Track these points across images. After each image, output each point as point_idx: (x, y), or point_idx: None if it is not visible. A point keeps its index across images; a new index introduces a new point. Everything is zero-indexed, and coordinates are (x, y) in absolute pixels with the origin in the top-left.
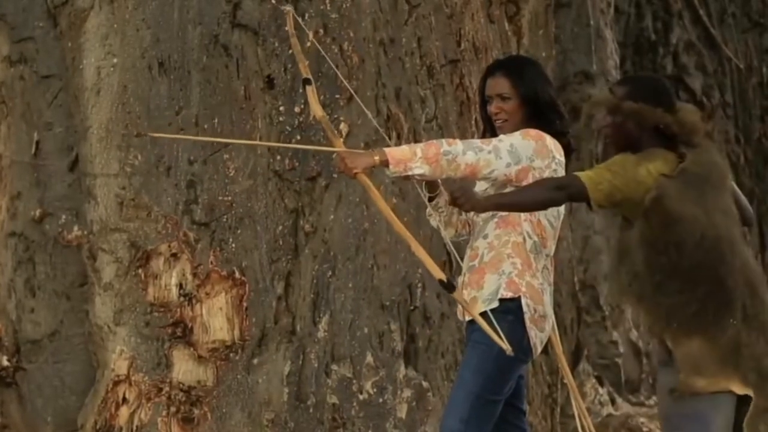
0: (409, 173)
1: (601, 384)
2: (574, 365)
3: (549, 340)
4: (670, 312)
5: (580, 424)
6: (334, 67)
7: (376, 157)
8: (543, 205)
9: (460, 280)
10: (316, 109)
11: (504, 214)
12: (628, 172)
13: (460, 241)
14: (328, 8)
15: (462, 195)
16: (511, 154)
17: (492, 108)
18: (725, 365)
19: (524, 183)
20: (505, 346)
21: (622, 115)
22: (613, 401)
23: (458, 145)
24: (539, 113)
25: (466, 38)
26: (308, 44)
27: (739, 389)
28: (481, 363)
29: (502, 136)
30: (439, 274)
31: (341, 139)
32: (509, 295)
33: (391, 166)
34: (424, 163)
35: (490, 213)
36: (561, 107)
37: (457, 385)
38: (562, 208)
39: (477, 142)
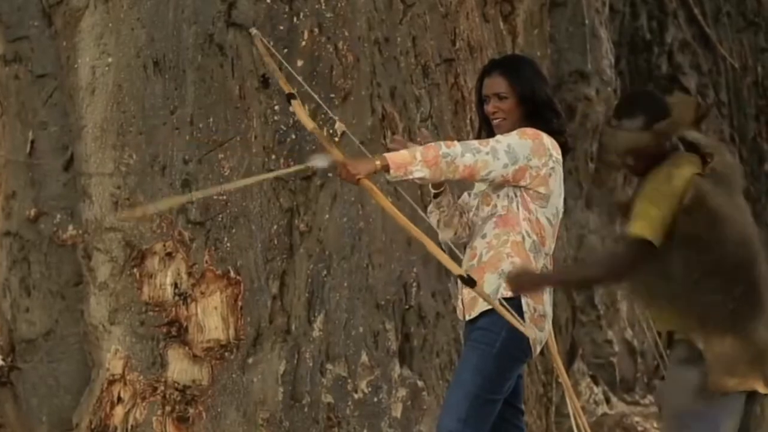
0: (410, 177)
1: (596, 383)
2: (569, 364)
3: None
4: (706, 311)
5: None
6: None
7: (377, 162)
8: (616, 280)
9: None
10: (307, 122)
11: (502, 213)
12: (665, 193)
13: (459, 243)
14: (323, 7)
15: (521, 277)
16: (508, 154)
17: (489, 107)
18: (755, 365)
19: (521, 183)
20: (524, 328)
21: (657, 139)
22: (608, 400)
23: (457, 146)
24: (536, 112)
25: (461, 37)
26: (303, 43)
27: (764, 389)
28: (481, 363)
29: (499, 137)
30: (458, 270)
31: (336, 149)
32: (509, 294)
33: (391, 171)
34: (424, 166)
35: (489, 211)
36: (557, 105)
37: (456, 385)
38: (560, 206)
39: (475, 143)
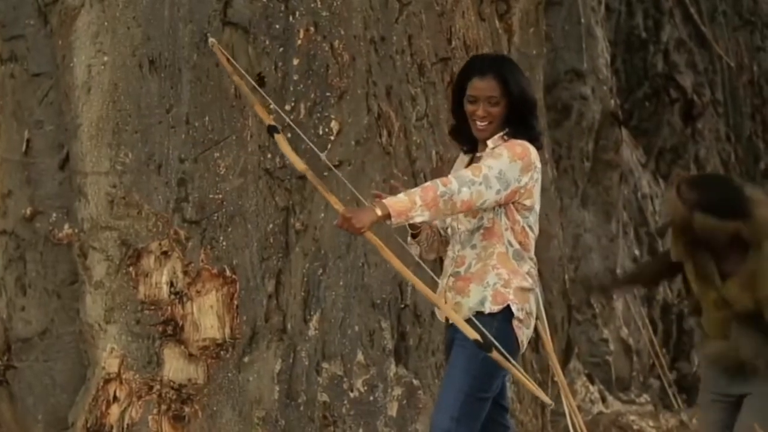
0: (411, 221)
1: (592, 382)
2: (564, 363)
3: (540, 339)
4: None
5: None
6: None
7: (378, 212)
8: None
9: (441, 282)
10: (296, 162)
11: (488, 225)
12: None
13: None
14: (319, 6)
15: None
16: (500, 180)
17: (479, 111)
18: None
19: (511, 201)
20: (474, 334)
21: (694, 227)
22: (603, 399)
23: (452, 183)
24: (521, 117)
25: (457, 36)
26: (299, 42)
27: None
28: (469, 362)
29: (490, 162)
30: (473, 335)
31: (333, 196)
32: (497, 308)
33: (393, 219)
34: (424, 210)
35: (475, 223)
36: (538, 109)
37: (447, 384)
38: (537, 207)
39: (468, 174)
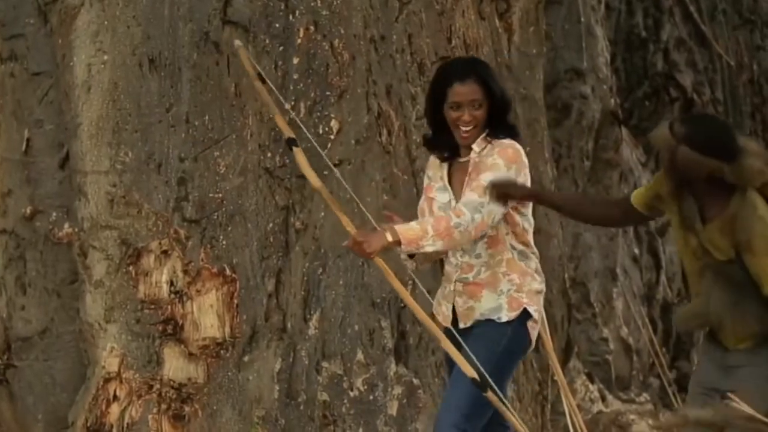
0: (421, 250)
1: (592, 381)
2: (564, 362)
3: (539, 338)
4: None
5: (570, 421)
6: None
7: (390, 238)
8: None
9: (446, 287)
10: (312, 178)
11: (492, 233)
12: None
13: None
14: (319, 5)
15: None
16: None
17: (465, 116)
18: None
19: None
20: (471, 372)
21: (679, 161)
22: (603, 398)
23: (465, 213)
24: (501, 116)
25: (457, 35)
26: (299, 41)
27: None
28: (486, 360)
29: (489, 176)
30: (470, 373)
31: (345, 217)
32: (514, 315)
33: (403, 246)
34: (436, 239)
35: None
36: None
37: (458, 382)
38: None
39: (475, 198)
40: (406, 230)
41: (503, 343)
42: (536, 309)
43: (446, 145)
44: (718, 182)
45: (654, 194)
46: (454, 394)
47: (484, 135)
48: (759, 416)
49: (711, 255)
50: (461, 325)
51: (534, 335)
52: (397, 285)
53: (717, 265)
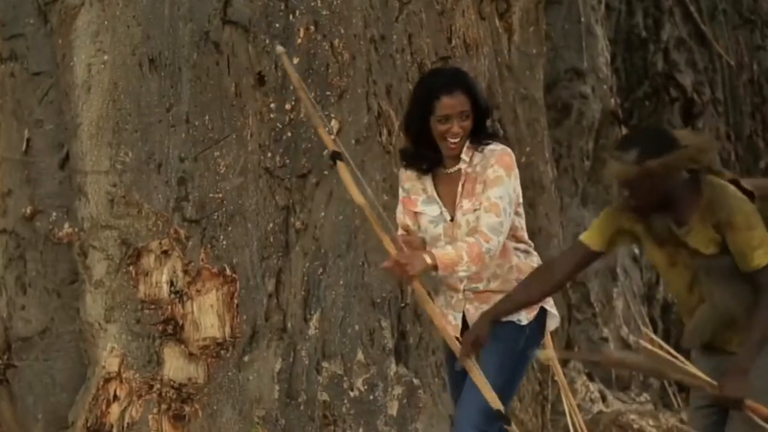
0: (456, 275)
1: (592, 381)
2: (564, 362)
3: None
4: None
5: (570, 421)
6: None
7: (429, 261)
8: None
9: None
10: (356, 195)
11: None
12: (754, 211)
13: None
14: (319, 5)
15: (736, 390)
16: (510, 203)
17: (454, 128)
18: None
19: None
20: (497, 403)
21: (650, 176)
22: (603, 398)
23: (493, 238)
24: (483, 124)
25: (457, 35)
26: (299, 41)
27: None
28: (506, 361)
29: (497, 192)
30: (497, 404)
31: (386, 236)
32: (532, 316)
33: (440, 270)
34: (470, 265)
35: None
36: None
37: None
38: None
39: (495, 220)
40: (443, 255)
41: (522, 344)
42: (552, 304)
43: (426, 157)
44: (684, 183)
45: (613, 231)
46: (476, 396)
47: (468, 144)
48: (704, 377)
49: (699, 254)
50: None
51: (552, 328)
52: (430, 308)
53: (708, 263)
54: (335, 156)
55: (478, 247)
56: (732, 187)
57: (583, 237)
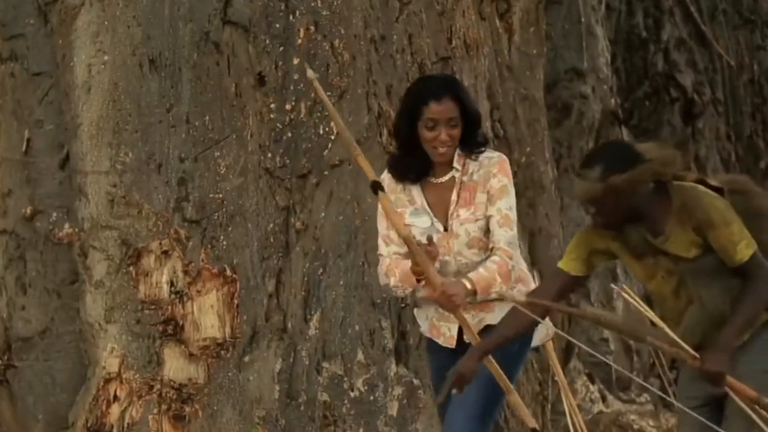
0: (487, 298)
1: (592, 381)
2: (565, 363)
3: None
4: None
5: (570, 422)
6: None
7: (469, 287)
8: None
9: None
10: (399, 226)
11: None
12: (727, 206)
13: None
14: (319, 5)
15: (713, 371)
16: (515, 212)
17: (442, 135)
18: None
19: None
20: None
21: (615, 192)
22: (603, 398)
23: (513, 253)
24: (472, 132)
25: (457, 35)
26: (299, 41)
27: None
28: (504, 364)
29: (506, 203)
30: (532, 423)
31: (432, 268)
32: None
33: (478, 296)
34: (503, 285)
35: (484, 255)
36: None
37: (480, 387)
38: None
39: (509, 231)
40: (480, 279)
41: (518, 344)
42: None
43: (415, 166)
44: (651, 194)
45: (588, 252)
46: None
47: (458, 152)
48: (683, 344)
49: (682, 259)
50: (467, 339)
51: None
52: (471, 334)
53: (693, 266)
54: (375, 186)
55: (506, 265)
56: (701, 187)
57: (561, 264)
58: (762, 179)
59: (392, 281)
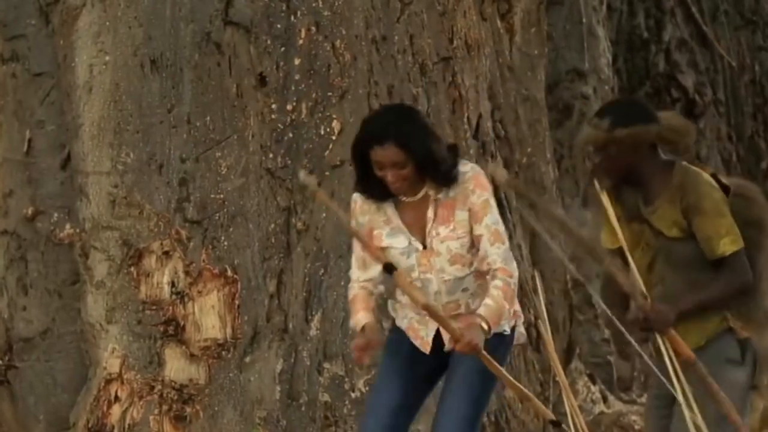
0: (497, 330)
1: (593, 382)
2: (566, 363)
3: (541, 339)
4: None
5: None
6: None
7: (485, 327)
8: (745, 289)
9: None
10: (417, 299)
11: (479, 266)
12: (722, 199)
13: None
14: (321, 6)
15: (656, 318)
16: (500, 223)
17: (389, 176)
18: None
19: None
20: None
21: (617, 144)
22: (605, 399)
23: (512, 271)
24: (435, 165)
25: (459, 36)
26: (300, 42)
27: None
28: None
29: (493, 218)
30: (549, 415)
31: (452, 323)
32: (513, 323)
33: (492, 330)
34: (510, 308)
35: (467, 271)
36: (447, 148)
37: (463, 391)
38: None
39: (501, 247)
40: (491, 314)
41: (502, 351)
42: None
43: (381, 186)
44: (657, 162)
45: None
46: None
47: (426, 182)
48: (638, 279)
49: (662, 234)
50: (447, 347)
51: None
52: (497, 370)
53: (669, 245)
54: (388, 268)
55: (509, 287)
56: (706, 176)
57: (603, 242)
58: (763, 180)
59: (351, 321)
